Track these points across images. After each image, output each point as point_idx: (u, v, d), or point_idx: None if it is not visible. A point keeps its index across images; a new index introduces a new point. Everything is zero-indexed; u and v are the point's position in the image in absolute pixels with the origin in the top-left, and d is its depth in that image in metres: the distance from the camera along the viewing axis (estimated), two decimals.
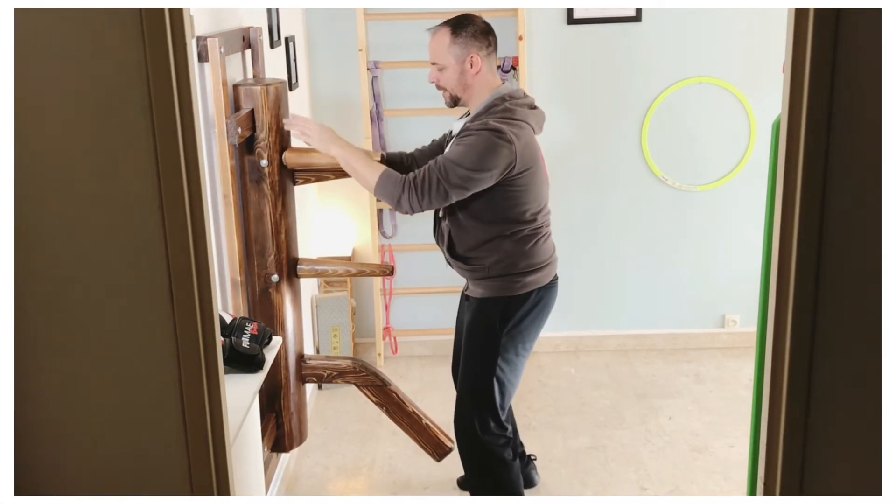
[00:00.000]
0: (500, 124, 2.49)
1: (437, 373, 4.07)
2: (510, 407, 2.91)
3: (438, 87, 2.65)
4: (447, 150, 2.60)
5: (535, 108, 2.66)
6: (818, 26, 1.33)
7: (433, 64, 2.61)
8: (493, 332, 2.67)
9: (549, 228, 2.72)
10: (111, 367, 1.49)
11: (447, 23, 2.59)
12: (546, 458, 3.38)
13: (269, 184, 2.69)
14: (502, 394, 2.72)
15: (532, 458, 3.20)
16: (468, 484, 3.02)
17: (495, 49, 2.63)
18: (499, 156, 2.47)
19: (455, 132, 2.65)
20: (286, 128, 2.70)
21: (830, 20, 1.33)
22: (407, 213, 2.56)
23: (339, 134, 2.71)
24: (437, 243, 2.79)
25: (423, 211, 2.57)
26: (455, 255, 2.69)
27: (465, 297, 2.84)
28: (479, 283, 2.69)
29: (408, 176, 2.53)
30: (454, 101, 2.66)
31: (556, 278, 2.77)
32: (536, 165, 2.59)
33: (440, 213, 2.71)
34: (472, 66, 2.57)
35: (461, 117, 2.73)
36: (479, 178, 2.48)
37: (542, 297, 2.70)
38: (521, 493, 2.85)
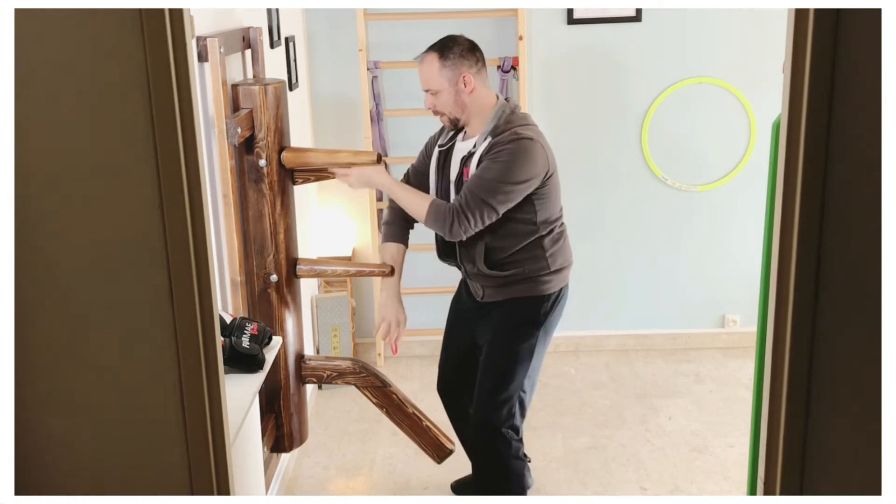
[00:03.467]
0: (526, 132, 2.56)
1: (436, 373, 4.07)
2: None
3: (436, 113, 2.67)
4: (479, 169, 2.57)
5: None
6: (818, 26, 1.33)
7: (426, 91, 2.63)
8: (530, 330, 2.70)
9: (566, 226, 2.81)
10: (111, 368, 1.49)
11: (433, 48, 2.61)
12: (546, 458, 3.38)
13: (269, 184, 2.69)
14: (530, 392, 2.82)
15: (528, 459, 3.19)
16: (468, 488, 3.03)
17: (484, 65, 2.65)
18: (537, 162, 2.55)
19: (463, 151, 2.66)
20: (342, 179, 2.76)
21: (830, 20, 1.33)
22: (458, 239, 2.61)
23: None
24: (458, 261, 2.75)
25: (471, 234, 2.60)
26: (492, 264, 2.67)
27: (472, 308, 2.81)
28: (506, 288, 2.69)
29: (453, 204, 2.58)
30: (454, 124, 2.68)
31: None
32: (556, 168, 2.67)
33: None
34: (465, 86, 2.58)
35: (447, 133, 2.76)
36: (523, 189, 2.55)
37: (565, 295, 2.78)
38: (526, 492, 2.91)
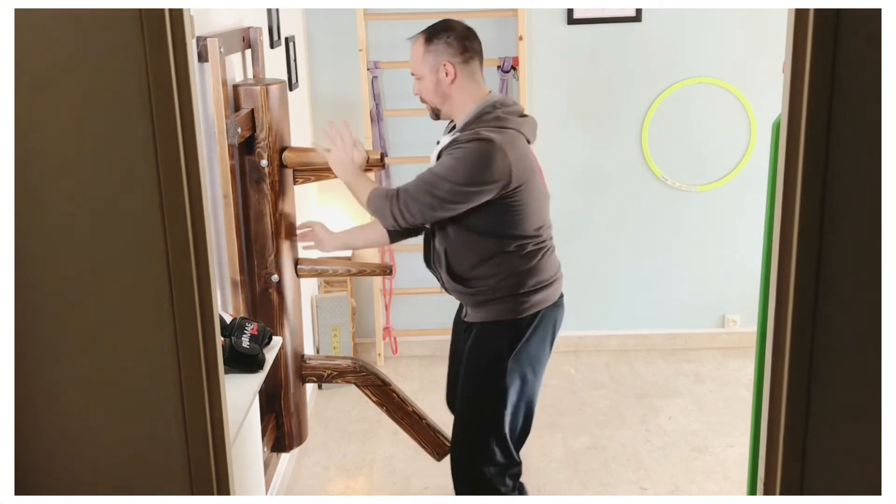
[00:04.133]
0: (492, 133, 2.34)
1: (437, 373, 4.07)
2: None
3: (422, 101, 2.53)
4: (436, 162, 2.45)
5: (525, 115, 2.51)
6: (818, 26, 1.33)
7: (412, 74, 2.50)
8: (498, 359, 2.47)
9: (552, 243, 2.56)
10: (111, 367, 1.49)
11: (423, 31, 2.48)
12: (546, 458, 3.38)
13: (269, 183, 2.69)
14: (514, 424, 2.53)
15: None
16: None
17: (477, 55, 2.47)
18: (492, 168, 2.31)
19: (443, 144, 2.49)
20: (323, 137, 2.63)
21: (830, 20, 1.33)
22: (392, 227, 2.47)
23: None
24: (432, 268, 2.61)
25: (409, 225, 2.46)
26: (454, 276, 2.50)
27: (461, 326, 2.63)
28: (481, 307, 2.50)
29: (396, 189, 2.45)
30: (434, 113, 2.53)
31: (562, 296, 2.60)
32: (533, 178, 2.43)
33: (432, 233, 2.55)
34: (446, 75, 2.42)
35: (447, 131, 2.59)
36: (471, 193, 2.33)
37: (549, 317, 2.52)
38: None
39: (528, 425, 2.60)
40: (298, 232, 2.80)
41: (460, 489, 2.61)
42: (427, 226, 2.53)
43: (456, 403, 2.65)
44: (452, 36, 2.44)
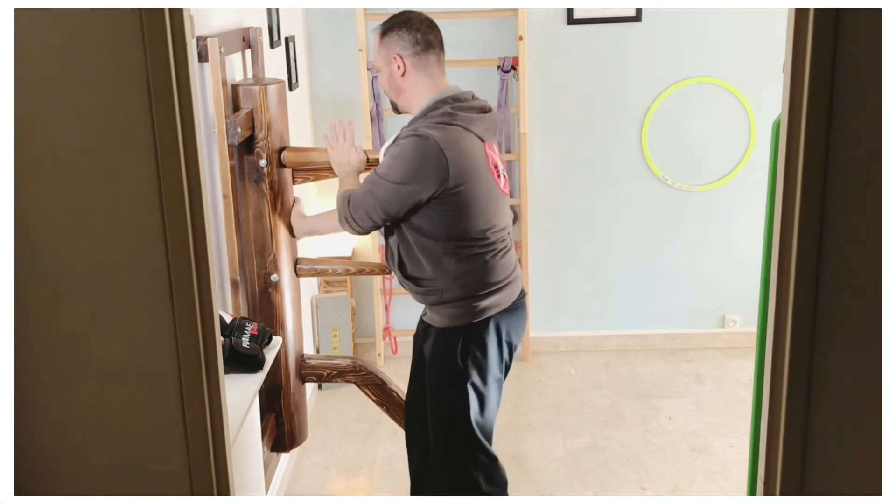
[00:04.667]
0: (430, 131, 2.26)
1: None
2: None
3: (385, 93, 2.49)
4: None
5: (486, 111, 2.40)
6: (818, 26, 1.33)
7: (373, 67, 2.46)
8: (455, 368, 2.39)
9: (505, 244, 2.43)
10: (111, 367, 1.49)
11: (382, 23, 2.44)
12: (546, 458, 3.38)
13: (269, 183, 2.69)
14: (482, 428, 2.45)
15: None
16: None
17: (433, 48, 2.38)
18: (425, 166, 2.24)
19: (389, 141, 2.44)
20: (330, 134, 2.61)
21: (830, 20, 1.33)
22: (348, 230, 2.44)
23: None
24: (388, 263, 2.54)
25: (365, 231, 2.42)
26: (406, 275, 2.44)
27: (421, 325, 2.54)
28: (435, 309, 2.43)
29: (352, 190, 2.41)
30: (394, 107, 2.49)
31: (521, 298, 2.50)
32: (477, 178, 2.31)
33: (388, 230, 2.48)
34: (398, 68, 2.36)
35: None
36: (407, 192, 2.27)
37: (503, 323, 2.43)
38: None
39: (491, 429, 2.50)
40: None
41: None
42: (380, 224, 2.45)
43: (428, 417, 2.51)
44: (405, 28, 2.37)
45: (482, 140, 2.37)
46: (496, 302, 2.41)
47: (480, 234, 2.36)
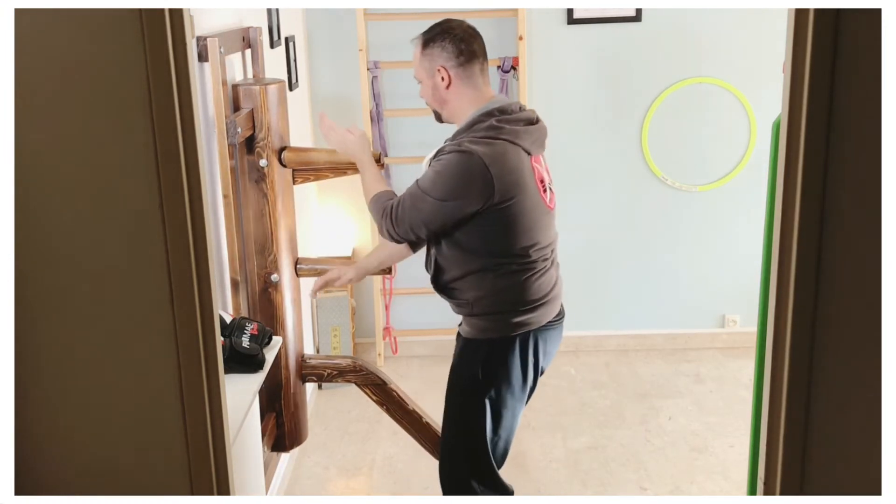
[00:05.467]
0: (475, 146, 2.21)
1: (437, 373, 4.07)
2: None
3: (427, 104, 2.46)
4: (424, 171, 2.36)
5: (533, 122, 2.35)
6: (818, 26, 1.33)
7: (415, 78, 2.43)
8: (474, 378, 2.37)
9: (546, 264, 2.39)
10: (111, 367, 1.49)
11: (423, 33, 2.39)
12: (546, 458, 3.38)
13: (269, 183, 2.69)
14: (494, 446, 2.43)
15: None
16: None
17: (473, 59, 2.34)
18: (470, 183, 2.20)
19: (433, 152, 2.40)
20: (321, 128, 2.60)
21: (830, 20, 1.33)
22: (387, 238, 2.40)
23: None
24: (426, 268, 2.51)
25: (403, 241, 2.39)
26: (438, 284, 2.43)
27: (457, 335, 2.53)
28: (467, 321, 2.42)
29: (392, 201, 2.36)
30: (437, 117, 2.46)
31: (559, 318, 2.47)
32: (524, 194, 2.26)
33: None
34: (442, 80, 2.33)
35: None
36: (448, 208, 2.23)
37: (532, 341, 2.38)
38: None
39: (505, 451, 2.50)
40: (319, 286, 2.70)
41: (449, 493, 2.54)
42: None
43: None
44: (448, 39, 2.33)
45: (529, 153, 2.31)
46: (528, 320, 2.36)
47: (522, 252, 2.31)
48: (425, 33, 2.39)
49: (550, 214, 2.41)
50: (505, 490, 2.50)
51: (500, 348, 2.36)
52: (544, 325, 2.40)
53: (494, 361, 2.37)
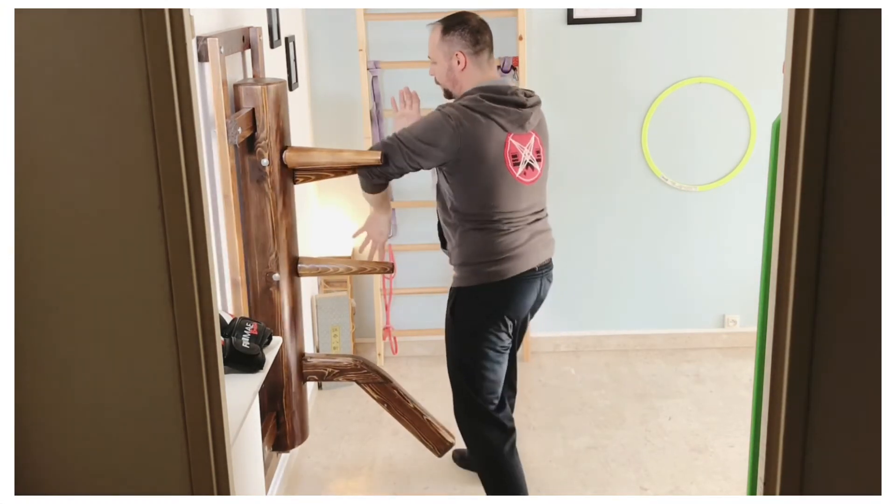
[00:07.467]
0: (452, 109, 2.63)
1: (437, 373, 4.07)
2: (505, 400, 2.91)
3: (436, 82, 2.83)
4: None
5: (521, 106, 2.69)
6: (818, 26, 1.33)
7: (429, 58, 2.81)
8: (449, 321, 2.82)
9: (510, 226, 2.71)
10: (111, 367, 1.49)
11: (441, 21, 2.77)
12: (546, 458, 3.38)
13: (270, 183, 2.69)
14: (479, 384, 2.80)
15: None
16: (466, 461, 3.21)
17: (487, 47, 2.75)
18: (441, 134, 2.60)
19: None
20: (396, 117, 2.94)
21: (830, 20, 1.33)
22: (389, 174, 2.71)
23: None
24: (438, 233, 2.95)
25: (395, 170, 2.69)
26: (441, 239, 2.88)
27: None
28: (455, 271, 2.82)
29: (381, 148, 2.71)
30: (446, 94, 2.83)
31: (531, 272, 2.75)
32: (483, 162, 2.62)
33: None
34: (458, 63, 2.73)
35: None
36: (425, 150, 2.63)
37: (499, 289, 2.72)
38: (521, 489, 2.86)
39: (492, 392, 2.83)
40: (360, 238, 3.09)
41: (467, 446, 2.93)
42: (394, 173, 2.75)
43: None
44: (466, 29, 2.71)
45: (505, 130, 2.65)
46: (495, 272, 2.70)
47: (483, 214, 2.68)
48: (444, 21, 2.77)
49: (520, 186, 2.71)
50: (500, 425, 2.85)
51: (467, 294, 2.76)
52: (513, 277, 2.72)
53: (461, 304, 2.78)
